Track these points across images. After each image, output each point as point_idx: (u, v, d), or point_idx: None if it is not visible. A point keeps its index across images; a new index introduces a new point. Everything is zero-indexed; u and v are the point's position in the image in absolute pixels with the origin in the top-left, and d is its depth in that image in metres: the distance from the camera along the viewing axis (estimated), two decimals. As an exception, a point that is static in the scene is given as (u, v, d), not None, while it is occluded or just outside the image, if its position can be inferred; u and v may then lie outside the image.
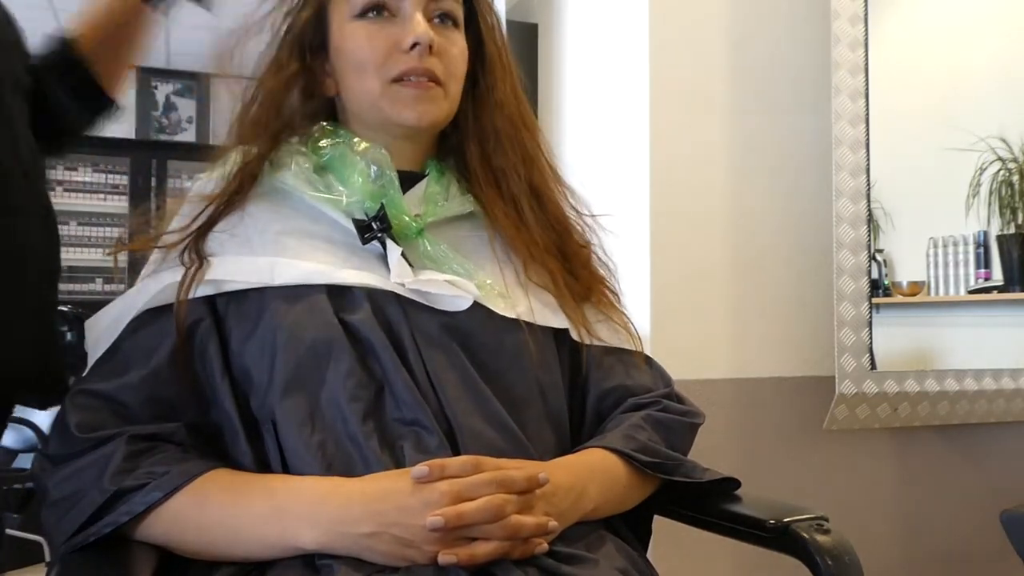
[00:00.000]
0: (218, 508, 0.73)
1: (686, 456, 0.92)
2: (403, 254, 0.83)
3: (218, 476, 0.75)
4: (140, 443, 0.75)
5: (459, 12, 0.91)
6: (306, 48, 0.89)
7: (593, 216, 1.00)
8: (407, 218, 0.86)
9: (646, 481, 0.87)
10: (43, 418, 2.83)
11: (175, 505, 0.72)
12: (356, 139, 0.88)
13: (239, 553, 0.73)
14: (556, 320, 0.89)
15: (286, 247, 0.82)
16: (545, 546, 0.73)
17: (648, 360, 0.98)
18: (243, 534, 0.72)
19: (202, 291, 0.79)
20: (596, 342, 0.92)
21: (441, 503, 0.68)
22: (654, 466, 0.85)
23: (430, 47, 0.85)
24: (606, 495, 0.83)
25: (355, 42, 0.87)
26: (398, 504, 0.69)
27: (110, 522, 0.71)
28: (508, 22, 2.46)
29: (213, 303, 0.80)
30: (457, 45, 0.90)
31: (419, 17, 0.86)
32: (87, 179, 5.09)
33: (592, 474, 0.83)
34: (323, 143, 0.89)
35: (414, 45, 0.85)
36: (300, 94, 0.90)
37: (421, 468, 0.70)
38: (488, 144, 0.93)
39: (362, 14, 0.87)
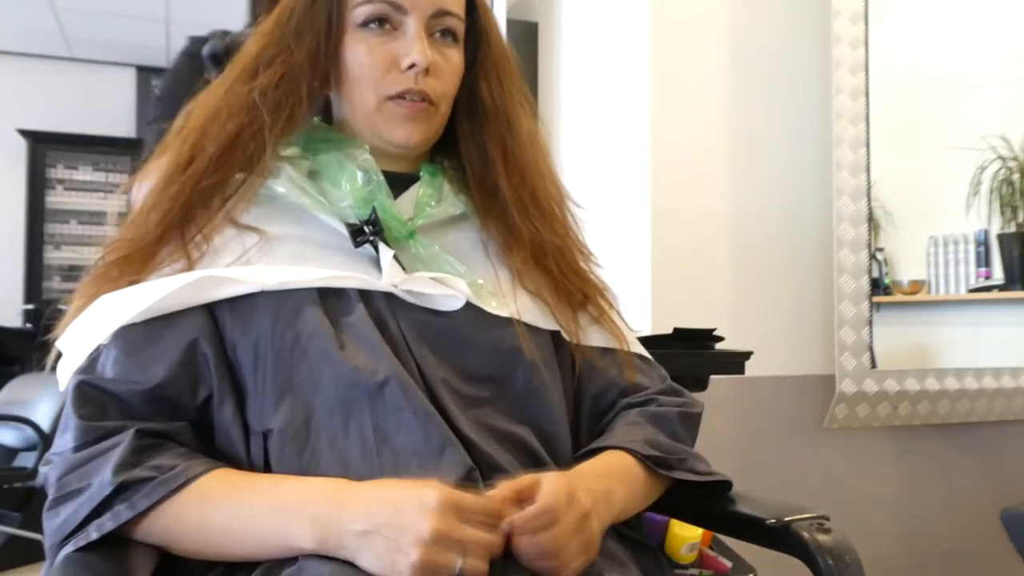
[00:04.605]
0: (220, 507, 0.72)
1: (692, 447, 0.92)
2: (395, 256, 0.83)
3: (221, 475, 0.74)
4: (147, 439, 0.74)
5: (461, 29, 0.90)
6: (331, 27, 0.86)
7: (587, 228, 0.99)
8: (396, 222, 0.86)
9: (659, 478, 0.87)
10: (43, 417, 2.83)
11: (178, 503, 0.71)
12: (346, 143, 0.88)
13: (238, 552, 0.72)
14: (546, 322, 0.89)
15: (280, 253, 0.82)
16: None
17: (643, 358, 0.97)
18: (243, 534, 0.71)
19: (201, 298, 0.79)
20: (589, 343, 0.92)
21: (434, 507, 0.66)
22: (657, 460, 0.85)
23: (426, 68, 0.85)
24: (631, 496, 0.83)
25: (355, 55, 0.86)
26: (393, 504, 0.67)
27: (111, 518, 0.70)
28: (508, 21, 2.46)
29: (211, 310, 0.80)
30: (452, 62, 0.89)
31: (420, 36, 0.85)
32: (87, 178, 5.10)
33: (617, 476, 0.82)
34: (314, 144, 0.89)
35: (411, 66, 0.85)
36: (317, 77, 0.87)
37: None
38: (484, 157, 0.92)
39: (364, 24, 0.86)
